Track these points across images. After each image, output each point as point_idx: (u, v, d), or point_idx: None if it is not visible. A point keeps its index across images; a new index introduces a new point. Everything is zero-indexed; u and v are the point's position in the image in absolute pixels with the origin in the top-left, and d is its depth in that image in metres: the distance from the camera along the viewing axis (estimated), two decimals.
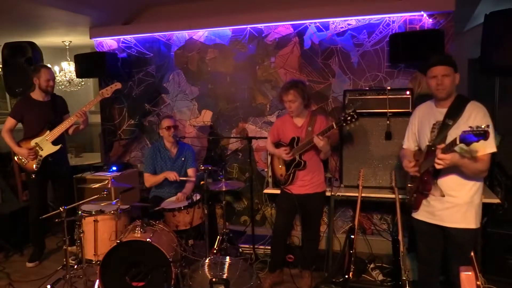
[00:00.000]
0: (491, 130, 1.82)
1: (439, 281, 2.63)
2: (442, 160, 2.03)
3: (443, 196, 2.25)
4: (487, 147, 2.08)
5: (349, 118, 2.70)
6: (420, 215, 2.43)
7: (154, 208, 3.27)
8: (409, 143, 2.55)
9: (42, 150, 3.60)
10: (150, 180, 3.61)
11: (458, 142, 1.88)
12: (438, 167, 2.08)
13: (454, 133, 2.12)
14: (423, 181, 2.32)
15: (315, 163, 3.07)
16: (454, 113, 2.21)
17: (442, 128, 2.22)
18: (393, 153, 3.29)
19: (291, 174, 3.05)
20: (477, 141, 1.80)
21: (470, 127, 1.82)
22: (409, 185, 2.50)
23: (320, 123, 2.97)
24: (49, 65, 3.83)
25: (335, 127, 2.77)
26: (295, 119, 3.07)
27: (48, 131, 3.62)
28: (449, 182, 2.24)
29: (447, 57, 2.34)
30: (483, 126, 1.79)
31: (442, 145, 2.04)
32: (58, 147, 3.64)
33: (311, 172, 3.05)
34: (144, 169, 3.69)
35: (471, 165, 2.09)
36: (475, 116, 2.16)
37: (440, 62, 2.23)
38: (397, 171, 3.20)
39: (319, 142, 2.79)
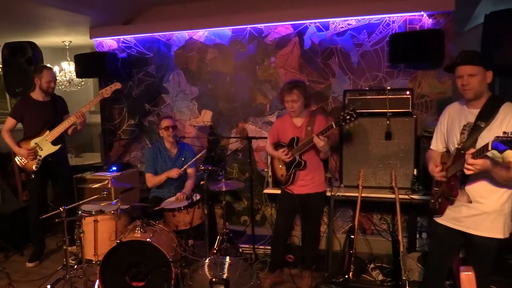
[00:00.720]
0: None
1: (449, 285, 2.59)
2: (472, 165, 1.88)
3: (470, 202, 2.12)
4: None
5: (348, 117, 2.69)
6: (443, 219, 2.31)
7: (154, 208, 3.28)
8: (437, 144, 2.41)
9: (41, 150, 3.60)
10: (152, 180, 3.62)
11: (490, 148, 1.73)
12: (467, 172, 1.93)
13: (485, 136, 2.01)
14: (449, 186, 2.18)
15: (315, 163, 3.07)
16: (486, 115, 2.06)
17: (473, 130, 2.08)
18: (393, 153, 3.29)
19: (292, 174, 3.05)
20: (511, 149, 1.67)
21: (505, 132, 1.69)
22: (435, 189, 2.35)
23: (319, 123, 2.97)
24: (49, 66, 3.83)
25: (334, 126, 2.76)
26: (295, 119, 3.07)
27: (47, 131, 3.62)
28: (477, 188, 2.11)
29: (474, 55, 2.13)
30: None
31: (472, 150, 1.91)
32: (57, 147, 3.64)
33: (311, 172, 3.05)
34: (145, 169, 3.68)
35: (503, 172, 1.95)
36: (509, 119, 2.01)
37: (466, 61, 2.08)
38: (398, 171, 3.21)
39: (319, 142, 2.79)
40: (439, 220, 2.34)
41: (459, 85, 2.13)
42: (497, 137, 1.68)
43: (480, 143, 1.99)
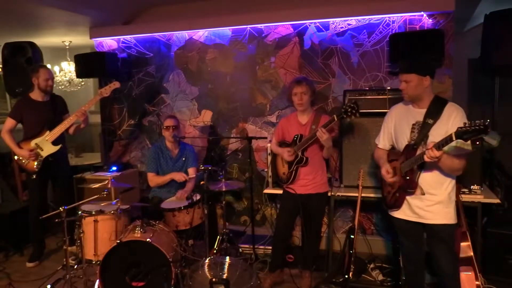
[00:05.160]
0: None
1: (433, 283, 2.63)
2: (434, 156, 2.07)
3: (423, 194, 2.31)
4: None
5: (349, 109, 2.73)
6: (400, 213, 2.47)
7: (154, 208, 3.27)
8: (384, 143, 2.60)
9: (42, 150, 3.60)
10: (155, 180, 3.62)
11: (454, 138, 1.94)
12: (428, 160, 2.11)
13: (435, 132, 2.23)
14: (406, 180, 2.35)
15: (318, 162, 3.08)
16: (433, 113, 2.28)
17: (422, 127, 2.29)
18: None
19: (293, 172, 3.06)
20: (478, 136, 1.86)
21: (465, 123, 1.89)
22: (389, 185, 2.51)
23: (324, 122, 2.97)
24: (48, 65, 3.83)
25: (336, 119, 2.81)
26: (300, 117, 3.09)
27: (48, 131, 3.61)
28: (429, 180, 2.31)
29: (411, 63, 2.35)
30: (478, 121, 1.84)
31: (431, 143, 2.10)
32: (58, 147, 3.64)
33: (313, 171, 3.05)
34: (147, 169, 3.69)
35: (455, 162, 2.17)
36: (455, 116, 2.22)
37: (402, 70, 2.34)
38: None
39: (322, 135, 2.80)
40: (397, 214, 2.49)
41: (400, 88, 2.37)
42: (459, 127, 1.91)
43: (430, 138, 2.22)
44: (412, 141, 2.33)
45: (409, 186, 2.34)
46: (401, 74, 2.33)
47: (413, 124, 2.34)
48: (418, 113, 2.35)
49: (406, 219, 2.44)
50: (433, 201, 2.32)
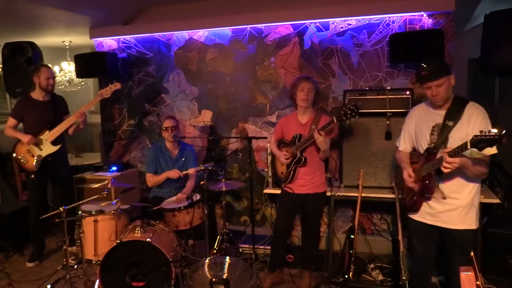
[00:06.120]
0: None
1: (440, 282, 2.62)
2: (450, 163, 2.00)
3: (445, 198, 2.24)
4: (492, 150, 2.03)
5: (349, 112, 2.71)
6: (419, 216, 2.41)
7: (154, 208, 3.28)
8: (405, 145, 2.53)
9: (41, 150, 3.60)
10: (152, 180, 3.62)
11: (469, 146, 1.87)
12: (445, 171, 2.05)
13: (455, 135, 2.15)
14: (425, 184, 2.28)
15: (316, 162, 3.08)
16: (453, 115, 2.20)
17: (442, 130, 2.21)
18: (393, 153, 3.28)
19: (292, 171, 3.06)
20: (491, 147, 1.81)
21: (481, 131, 1.81)
22: (408, 187, 2.44)
23: (323, 122, 2.97)
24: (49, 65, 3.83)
25: (335, 121, 2.79)
26: (300, 117, 3.09)
27: (47, 131, 3.62)
28: (450, 185, 2.24)
29: (437, 67, 2.21)
30: (495, 131, 1.77)
31: (449, 149, 2.03)
32: (57, 147, 3.64)
33: (312, 171, 3.05)
34: (146, 169, 3.69)
35: (475, 168, 2.09)
36: (476, 117, 2.14)
37: (432, 77, 2.17)
38: (393, 171, 3.21)
39: (318, 137, 2.80)
40: (415, 217, 2.44)
41: (429, 95, 2.24)
42: (475, 135, 1.83)
43: (451, 142, 2.14)
44: (432, 144, 2.26)
45: (427, 191, 2.27)
46: (431, 81, 2.18)
47: (433, 126, 2.28)
48: (438, 115, 2.27)
49: (423, 222, 2.39)
50: (454, 206, 2.25)
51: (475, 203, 2.27)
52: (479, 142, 1.82)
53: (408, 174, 2.36)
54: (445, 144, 2.17)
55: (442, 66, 2.22)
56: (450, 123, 2.18)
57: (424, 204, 2.36)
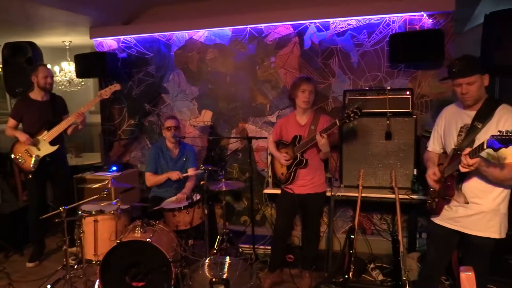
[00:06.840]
0: None
1: (448, 285, 2.59)
2: (467, 164, 1.92)
3: (467, 203, 2.15)
4: (508, 153, 1.98)
5: (352, 115, 2.70)
6: (439, 219, 2.33)
7: (154, 208, 3.28)
8: (434, 146, 2.45)
9: (39, 150, 3.60)
10: (151, 179, 3.62)
11: (485, 147, 1.79)
12: (463, 170, 1.97)
13: (482, 137, 2.00)
14: (446, 186, 2.21)
15: (317, 163, 3.08)
16: (483, 116, 2.09)
17: (470, 131, 2.11)
18: (393, 153, 3.29)
19: (292, 173, 3.06)
20: (506, 147, 1.72)
21: (499, 131, 1.73)
22: (431, 189, 2.37)
23: (323, 122, 2.97)
24: (48, 65, 3.83)
25: (338, 124, 2.77)
26: (299, 117, 3.08)
27: (46, 131, 3.61)
28: (473, 189, 2.14)
29: (470, 63, 2.11)
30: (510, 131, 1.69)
31: (468, 149, 1.94)
32: (55, 147, 3.64)
33: (312, 172, 3.05)
34: (146, 168, 3.69)
35: (496, 172, 1.99)
36: (505, 120, 2.04)
37: (463, 74, 2.08)
38: (398, 171, 3.21)
39: (320, 139, 2.79)
40: (436, 220, 2.36)
41: (458, 93, 2.14)
42: (492, 135, 1.73)
43: (477, 144, 2.01)
44: (457, 145, 2.17)
45: (447, 193, 2.20)
46: (462, 78, 2.09)
47: (461, 127, 2.18)
48: (467, 115, 2.17)
49: (442, 225, 2.31)
50: (476, 211, 2.14)
51: (501, 211, 2.14)
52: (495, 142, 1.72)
53: (433, 172, 2.28)
54: (472, 146, 2.01)
55: (475, 63, 2.12)
56: (479, 125, 2.08)
57: (446, 207, 2.28)
